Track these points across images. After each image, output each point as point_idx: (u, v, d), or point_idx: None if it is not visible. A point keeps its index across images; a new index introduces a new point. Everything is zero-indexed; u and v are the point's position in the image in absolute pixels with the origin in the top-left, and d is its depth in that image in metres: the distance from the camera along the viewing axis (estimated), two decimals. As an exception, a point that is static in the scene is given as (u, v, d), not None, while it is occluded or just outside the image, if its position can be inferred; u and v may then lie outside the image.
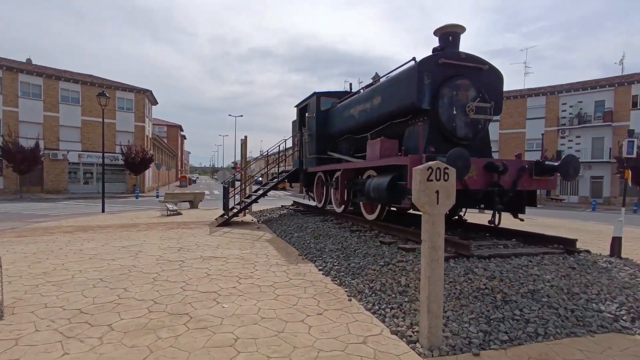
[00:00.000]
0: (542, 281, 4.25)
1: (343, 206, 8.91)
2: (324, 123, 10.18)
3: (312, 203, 12.81)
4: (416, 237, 5.76)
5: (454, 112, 6.09)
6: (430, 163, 3.11)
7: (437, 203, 3.11)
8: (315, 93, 10.27)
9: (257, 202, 10.58)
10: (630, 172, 5.40)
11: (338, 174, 8.97)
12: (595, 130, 29.49)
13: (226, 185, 10.64)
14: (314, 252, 6.32)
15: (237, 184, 13.38)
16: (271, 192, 13.28)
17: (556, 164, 5.66)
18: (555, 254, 5.18)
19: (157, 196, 26.93)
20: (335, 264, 5.48)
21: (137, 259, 6.07)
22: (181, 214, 12.97)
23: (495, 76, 6.52)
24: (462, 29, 6.36)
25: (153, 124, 42.21)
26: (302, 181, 11.44)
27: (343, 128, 9.21)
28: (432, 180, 3.10)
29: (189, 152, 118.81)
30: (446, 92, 6.04)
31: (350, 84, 10.81)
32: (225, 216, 10.98)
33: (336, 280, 4.91)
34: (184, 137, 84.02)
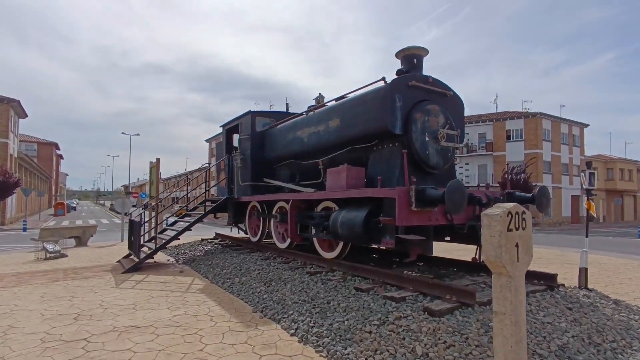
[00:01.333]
0: (560, 331, 3.77)
1: (288, 241, 7.74)
2: (260, 146, 8.99)
3: (240, 235, 11.29)
4: (398, 282, 4.96)
5: (427, 139, 5.61)
6: (507, 206, 2.32)
7: (517, 260, 2.31)
8: (250, 112, 9.06)
9: (178, 239, 8.70)
10: (592, 204, 5.50)
11: (281, 204, 7.83)
12: (480, 158, 33.75)
13: (135, 219, 8.52)
14: (273, 307, 5.03)
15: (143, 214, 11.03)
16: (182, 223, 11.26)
17: (529, 195, 5.52)
18: (539, 291, 4.89)
19: (25, 229, 21.68)
20: (310, 323, 4.31)
21: (5, 344, 3.99)
22: (66, 256, 10.11)
23: (457, 103, 6.30)
24: (425, 52, 6.03)
25: (20, 141, 34.83)
26: (230, 211, 9.90)
27: (284, 152, 8.17)
28: (512, 230, 2.30)
29: (66, 174, 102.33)
30: (419, 117, 5.54)
31: (287, 104, 9.89)
32: (133, 258, 8.78)
33: (323, 352, 3.75)
34: (60, 156, 72.05)
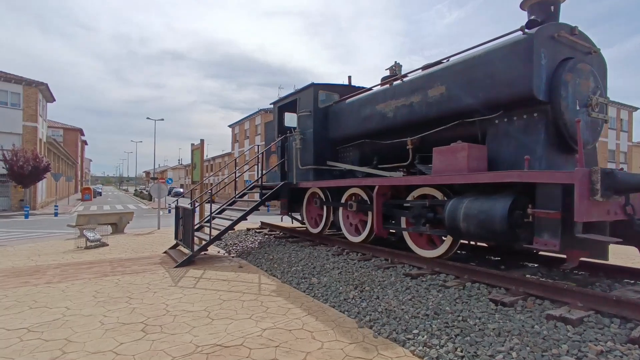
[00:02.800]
0: None
1: (364, 235, 6.65)
2: (324, 124, 7.85)
3: (293, 224, 10.30)
4: (556, 294, 3.79)
5: (577, 108, 4.34)
6: None
7: None
8: (312, 84, 7.90)
9: (233, 229, 7.73)
10: None
11: (355, 191, 6.72)
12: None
13: (188, 206, 7.56)
14: (385, 320, 3.95)
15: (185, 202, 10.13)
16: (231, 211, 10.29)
17: None
18: None
19: (56, 214, 21.41)
20: (456, 351, 3.21)
21: (69, 370, 3.05)
22: (107, 245, 9.33)
23: (602, 64, 4.97)
24: None
25: (48, 127, 34.77)
26: (284, 199, 8.86)
27: (356, 131, 7.02)
28: None
29: (90, 160, 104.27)
30: (569, 78, 4.26)
31: (349, 77, 8.68)
32: (182, 249, 7.89)
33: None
34: (85, 142, 73.00)
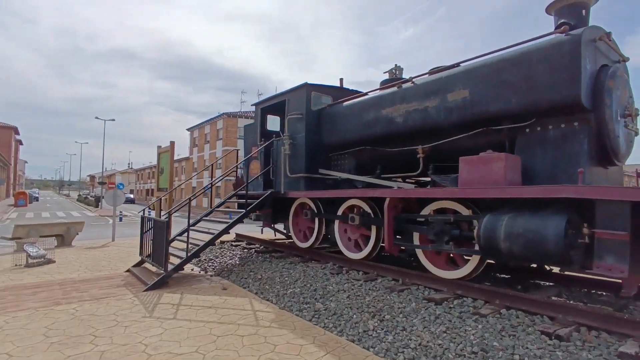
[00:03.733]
0: None
1: (365, 251, 6.02)
2: (316, 129, 7.19)
3: (266, 236, 9.46)
4: (599, 321, 3.37)
5: (618, 118, 4.04)
6: None
7: None
8: (306, 84, 7.21)
9: (214, 244, 6.74)
10: None
11: (354, 203, 6.11)
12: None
13: (163, 218, 6.48)
14: (425, 361, 3.32)
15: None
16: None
17: None
18: None
19: (-14, 223, 18.70)
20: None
21: None
22: (54, 262, 7.91)
23: (628, 75, 4.78)
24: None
25: (-23, 121, 30.82)
26: (267, 210, 8.04)
27: (354, 137, 6.44)
28: None
29: (26, 162, 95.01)
30: (612, 85, 3.95)
31: (341, 79, 8.09)
32: (152, 267, 6.79)
33: None
34: (19, 142, 66.39)
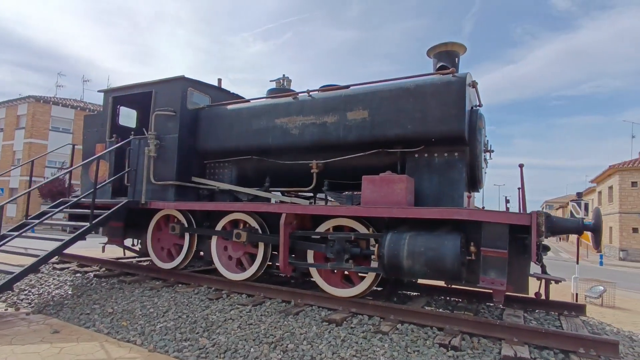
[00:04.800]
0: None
1: (250, 272, 5.45)
2: (191, 131, 6.28)
3: (104, 255, 7.75)
4: (477, 329, 3.89)
5: (482, 153, 4.86)
6: None
7: None
8: (183, 77, 6.21)
9: (38, 270, 4.79)
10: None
11: (237, 217, 5.54)
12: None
13: None
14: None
15: None
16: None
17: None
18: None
19: None
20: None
21: None
22: None
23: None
24: (464, 49, 5.32)
25: None
26: (117, 223, 6.50)
27: (243, 144, 5.94)
28: None
29: None
30: (481, 125, 4.74)
31: (219, 79, 7.31)
32: None
33: None
34: None
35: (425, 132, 4.57)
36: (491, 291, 3.98)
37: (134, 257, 7.93)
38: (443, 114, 4.44)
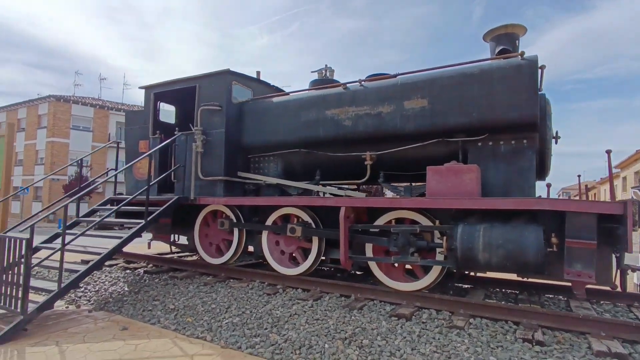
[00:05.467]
0: None
1: (303, 266, 5.39)
2: (236, 126, 6.21)
3: (148, 250, 7.81)
4: (557, 322, 3.74)
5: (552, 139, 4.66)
6: None
7: None
8: (228, 71, 6.13)
9: (100, 268, 4.82)
10: None
11: (288, 212, 5.47)
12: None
13: (14, 234, 4.30)
14: (439, 390, 3.00)
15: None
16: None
17: None
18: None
19: None
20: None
21: None
22: None
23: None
24: (524, 31, 5.07)
25: None
26: (166, 219, 6.50)
27: (291, 137, 5.83)
28: None
29: None
30: (550, 111, 4.54)
31: (258, 72, 7.20)
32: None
33: None
34: None
35: (493, 120, 4.40)
36: (570, 284, 3.83)
37: (177, 253, 7.98)
38: (514, 100, 4.24)
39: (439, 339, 3.72)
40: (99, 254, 4.84)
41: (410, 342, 3.68)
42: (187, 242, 7.05)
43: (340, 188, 5.70)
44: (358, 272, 6.01)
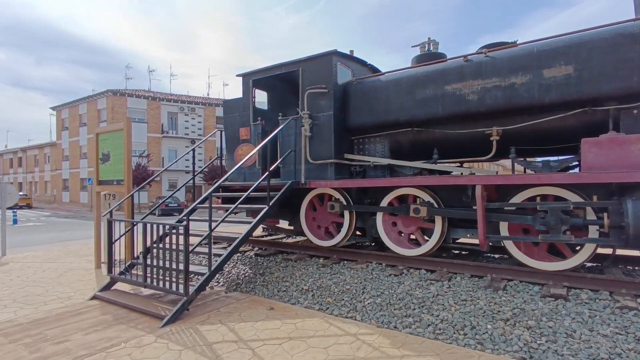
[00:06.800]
0: None
1: (425, 247, 5.32)
2: (342, 107, 6.13)
3: (263, 233, 8.04)
4: None
5: None
6: None
7: None
8: (335, 51, 6.04)
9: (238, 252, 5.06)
10: None
11: (403, 193, 5.36)
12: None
13: (174, 222, 4.58)
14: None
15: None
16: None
17: None
18: None
19: None
20: None
21: None
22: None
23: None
24: None
25: None
26: (275, 205, 6.64)
27: (403, 116, 5.65)
28: None
29: None
30: None
31: (351, 51, 7.04)
32: (127, 287, 4.91)
33: None
34: None
35: (654, 84, 3.99)
36: None
37: (275, 236, 8.21)
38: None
39: (615, 320, 3.53)
40: (233, 239, 5.03)
41: (583, 324, 3.53)
42: (291, 227, 7.19)
43: (461, 166, 5.50)
44: (494, 255, 5.84)
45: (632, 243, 3.76)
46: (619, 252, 5.05)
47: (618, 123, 4.35)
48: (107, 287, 5.20)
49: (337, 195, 6.11)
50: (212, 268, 4.59)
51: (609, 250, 4.89)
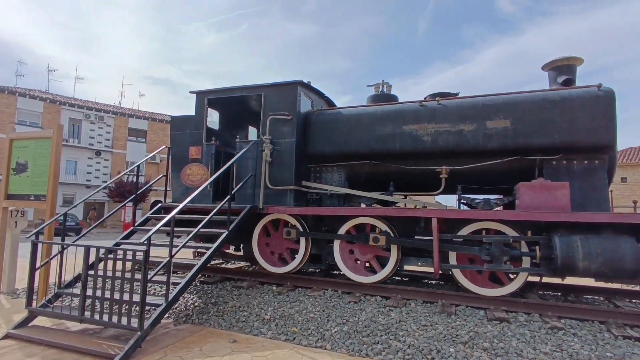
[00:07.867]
0: None
1: (381, 274, 5.59)
2: (302, 135, 6.30)
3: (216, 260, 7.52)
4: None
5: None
6: None
7: None
8: (301, 81, 6.20)
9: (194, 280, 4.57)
10: None
11: (361, 222, 5.66)
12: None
13: (133, 246, 3.96)
14: (584, 385, 3.38)
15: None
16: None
17: None
18: None
19: None
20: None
21: None
22: None
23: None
24: (581, 61, 5.75)
25: None
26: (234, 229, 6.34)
27: (363, 149, 6.04)
28: None
29: None
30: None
31: (309, 82, 7.27)
32: (48, 321, 4.25)
33: None
34: None
35: (572, 142, 4.96)
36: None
37: (218, 263, 7.76)
38: (594, 126, 4.83)
39: (550, 339, 4.12)
40: (182, 265, 4.67)
41: (527, 343, 4.05)
42: (238, 252, 6.91)
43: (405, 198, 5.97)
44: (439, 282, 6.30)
45: (559, 272, 4.50)
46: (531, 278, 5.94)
47: (542, 170, 5.25)
48: (24, 323, 4.34)
49: (293, 221, 6.11)
50: (170, 298, 4.18)
51: (537, 278, 5.69)
